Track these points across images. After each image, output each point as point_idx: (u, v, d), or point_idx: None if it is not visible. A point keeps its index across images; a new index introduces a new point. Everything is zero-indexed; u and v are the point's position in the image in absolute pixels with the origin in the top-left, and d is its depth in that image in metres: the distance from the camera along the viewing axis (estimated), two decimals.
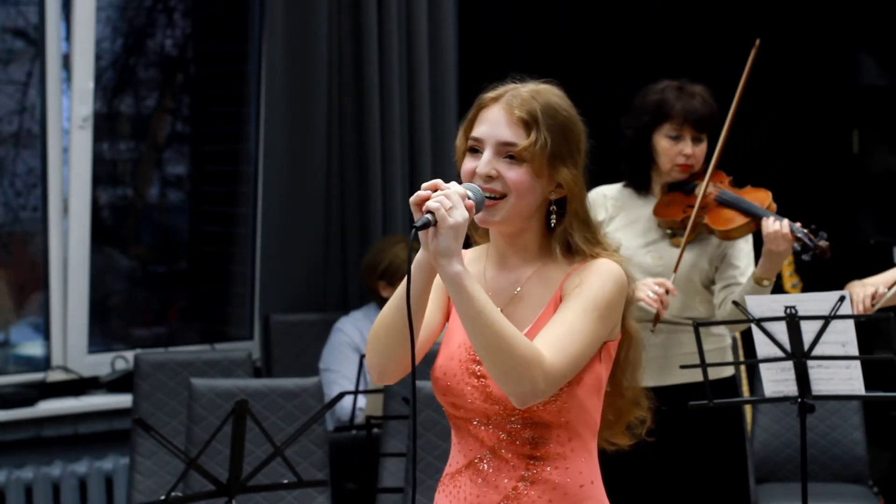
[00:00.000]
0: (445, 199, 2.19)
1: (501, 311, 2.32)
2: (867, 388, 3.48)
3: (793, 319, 3.41)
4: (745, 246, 3.84)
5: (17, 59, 5.40)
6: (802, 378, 3.48)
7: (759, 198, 3.80)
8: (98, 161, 5.33)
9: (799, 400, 3.50)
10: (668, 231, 3.84)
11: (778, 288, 5.66)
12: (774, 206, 3.79)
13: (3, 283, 5.38)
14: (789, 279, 5.73)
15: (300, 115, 5.32)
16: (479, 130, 2.35)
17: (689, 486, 3.82)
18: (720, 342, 3.87)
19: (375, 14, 5.38)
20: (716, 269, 3.84)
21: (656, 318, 3.75)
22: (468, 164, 2.36)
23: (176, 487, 3.42)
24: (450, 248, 2.19)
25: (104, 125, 5.55)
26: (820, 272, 5.63)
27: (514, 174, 2.31)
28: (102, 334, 5.57)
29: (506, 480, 2.34)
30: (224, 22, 5.93)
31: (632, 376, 2.45)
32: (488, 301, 2.21)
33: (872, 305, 3.68)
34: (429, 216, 2.19)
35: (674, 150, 3.82)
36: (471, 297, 2.19)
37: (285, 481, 3.58)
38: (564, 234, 2.37)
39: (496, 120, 2.34)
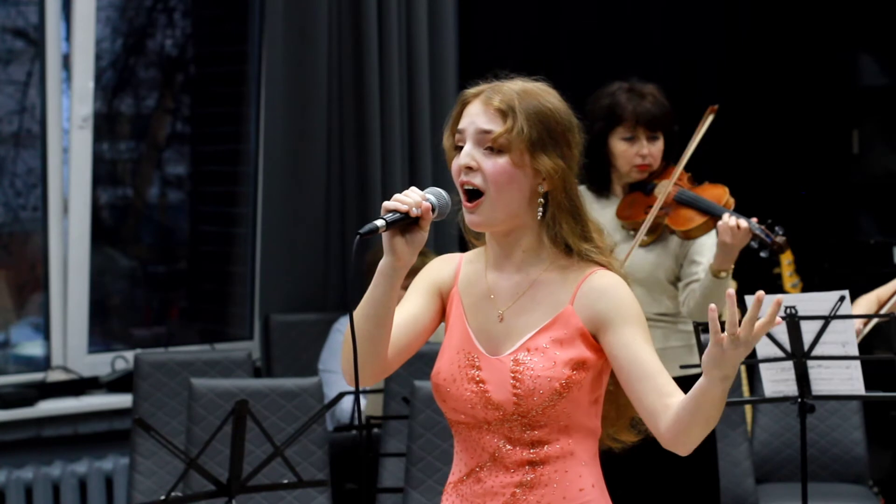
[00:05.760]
0: (405, 198, 2.27)
1: (504, 314, 2.36)
2: (867, 388, 3.48)
3: (793, 319, 3.41)
4: (707, 240, 3.85)
5: (17, 59, 5.40)
6: (802, 378, 3.47)
7: (717, 195, 3.83)
8: (98, 161, 5.33)
9: (799, 400, 3.50)
10: (632, 232, 3.86)
11: (778, 288, 5.66)
12: (732, 201, 3.81)
13: (3, 283, 5.38)
14: (789, 279, 5.73)
15: (300, 115, 5.32)
16: (461, 124, 2.37)
17: (654, 486, 3.81)
18: (689, 339, 3.87)
19: (375, 14, 5.38)
20: (681, 267, 3.86)
21: None
22: (454, 161, 2.37)
23: (176, 487, 3.42)
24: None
25: (104, 125, 5.55)
26: (820, 272, 5.63)
27: (492, 165, 2.32)
28: (102, 334, 5.57)
29: (504, 486, 2.34)
30: (224, 22, 5.93)
31: None
32: None
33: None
34: (377, 222, 2.26)
35: (630, 151, 3.85)
36: None
37: (285, 481, 3.58)
38: (551, 227, 2.35)
39: (476, 112, 2.35)
